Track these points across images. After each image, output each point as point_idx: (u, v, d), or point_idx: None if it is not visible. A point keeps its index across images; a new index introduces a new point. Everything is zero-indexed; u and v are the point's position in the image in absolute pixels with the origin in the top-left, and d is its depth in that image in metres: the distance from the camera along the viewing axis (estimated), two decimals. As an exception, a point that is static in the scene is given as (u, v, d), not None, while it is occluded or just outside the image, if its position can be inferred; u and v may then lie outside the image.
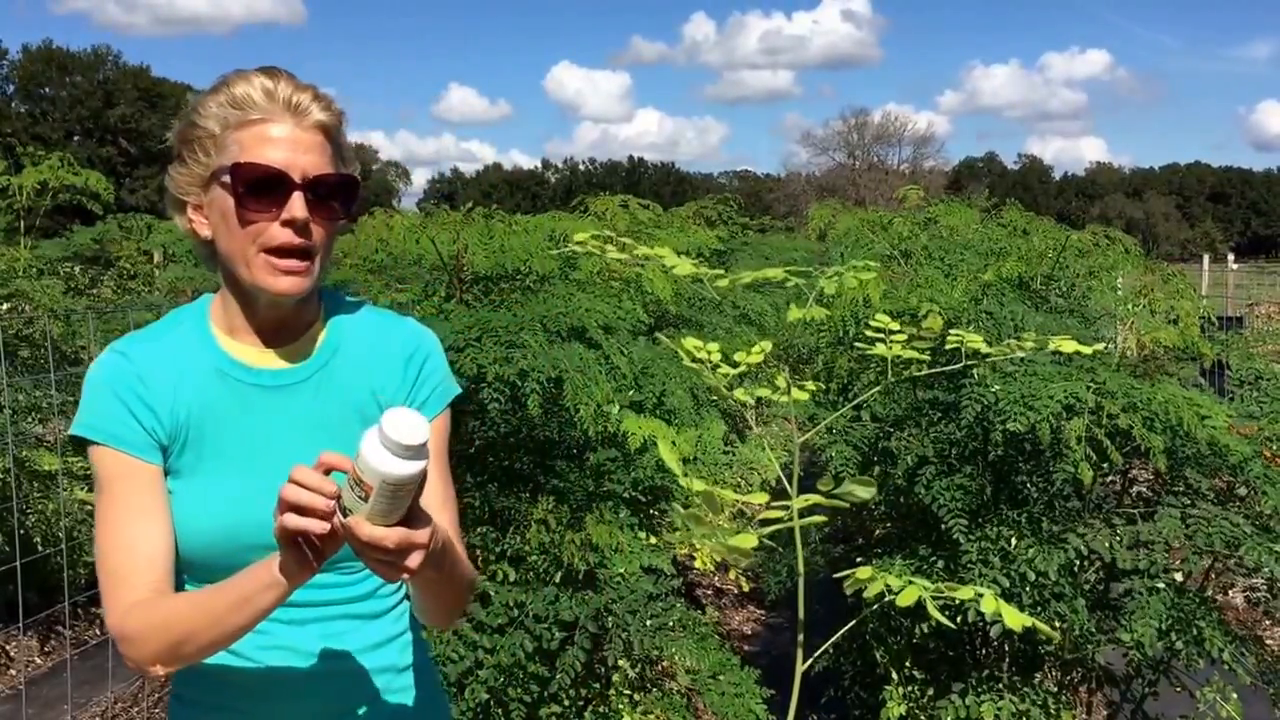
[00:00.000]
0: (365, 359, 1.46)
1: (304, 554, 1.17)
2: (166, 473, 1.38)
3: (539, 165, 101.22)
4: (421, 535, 1.15)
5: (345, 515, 1.14)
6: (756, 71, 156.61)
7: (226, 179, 1.33)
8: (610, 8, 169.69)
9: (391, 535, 1.13)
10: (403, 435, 1.10)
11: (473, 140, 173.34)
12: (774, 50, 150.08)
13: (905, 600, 1.13)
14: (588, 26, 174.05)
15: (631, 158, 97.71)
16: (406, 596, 1.53)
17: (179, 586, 1.37)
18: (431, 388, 1.49)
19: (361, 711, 1.46)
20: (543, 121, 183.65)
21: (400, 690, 1.50)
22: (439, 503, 1.43)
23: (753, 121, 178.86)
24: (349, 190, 1.39)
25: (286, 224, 1.33)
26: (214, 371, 1.40)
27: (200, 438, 1.38)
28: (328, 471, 1.15)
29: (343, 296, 1.53)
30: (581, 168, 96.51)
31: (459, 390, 1.54)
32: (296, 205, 1.32)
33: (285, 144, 1.33)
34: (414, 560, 1.15)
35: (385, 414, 1.12)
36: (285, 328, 1.43)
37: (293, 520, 1.12)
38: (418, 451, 1.12)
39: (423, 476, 1.14)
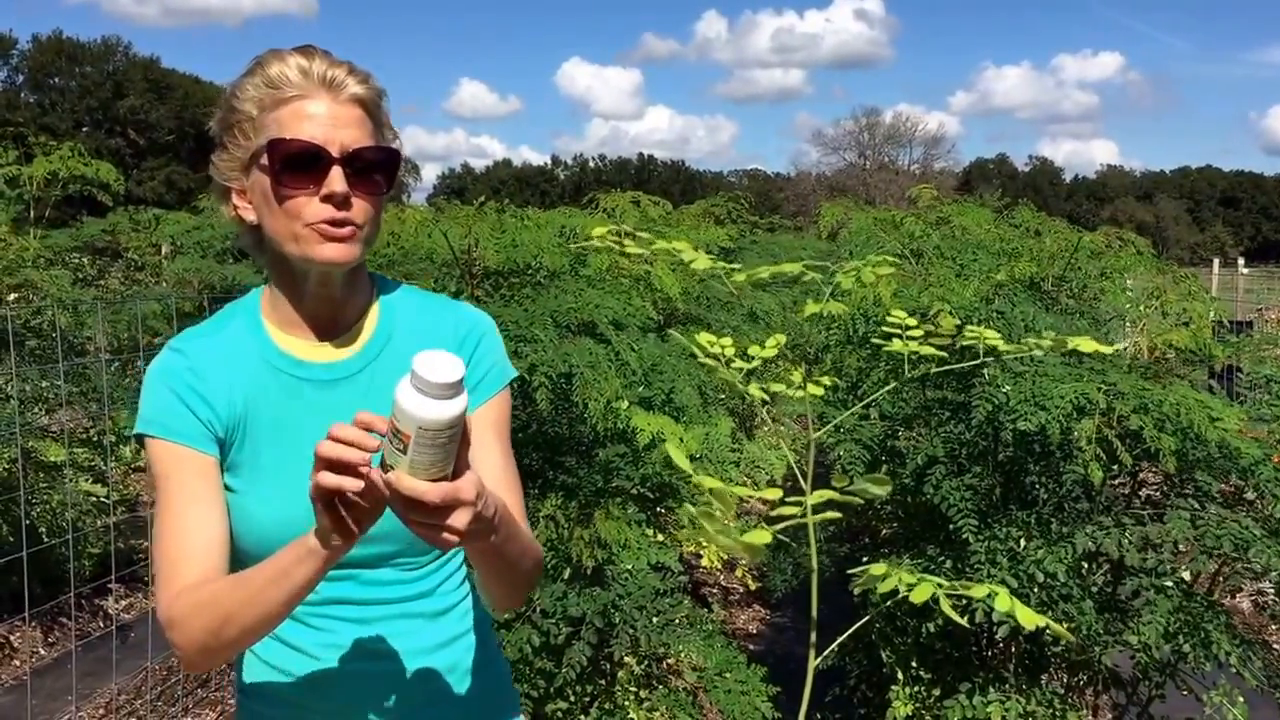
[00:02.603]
0: (417, 348, 1.44)
1: (341, 518, 1.11)
2: (226, 469, 1.36)
3: (549, 161, 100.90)
4: (467, 492, 1.08)
5: (386, 471, 1.07)
6: (768, 70, 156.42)
7: (264, 159, 1.31)
8: (622, 4, 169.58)
9: (434, 490, 1.06)
10: (435, 374, 1.03)
11: (483, 135, 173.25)
12: (785, 49, 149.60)
13: (919, 597, 1.12)
14: (599, 23, 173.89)
15: (641, 155, 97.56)
16: (471, 591, 1.50)
17: None
18: (486, 369, 1.45)
19: (425, 713, 1.43)
20: (553, 118, 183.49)
21: (466, 692, 1.47)
22: (502, 482, 1.40)
23: (763, 120, 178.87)
24: (390, 163, 1.36)
25: (326, 199, 1.30)
26: (266, 366, 1.38)
27: (255, 432, 1.36)
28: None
29: (394, 285, 1.50)
30: (591, 164, 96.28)
31: (516, 373, 1.51)
32: (335, 180, 1.29)
33: (322, 120, 1.30)
34: (460, 520, 1.08)
35: (416, 356, 1.05)
36: (336, 319, 1.41)
37: (327, 478, 1.07)
38: (454, 390, 1.04)
39: (462, 421, 1.06)
